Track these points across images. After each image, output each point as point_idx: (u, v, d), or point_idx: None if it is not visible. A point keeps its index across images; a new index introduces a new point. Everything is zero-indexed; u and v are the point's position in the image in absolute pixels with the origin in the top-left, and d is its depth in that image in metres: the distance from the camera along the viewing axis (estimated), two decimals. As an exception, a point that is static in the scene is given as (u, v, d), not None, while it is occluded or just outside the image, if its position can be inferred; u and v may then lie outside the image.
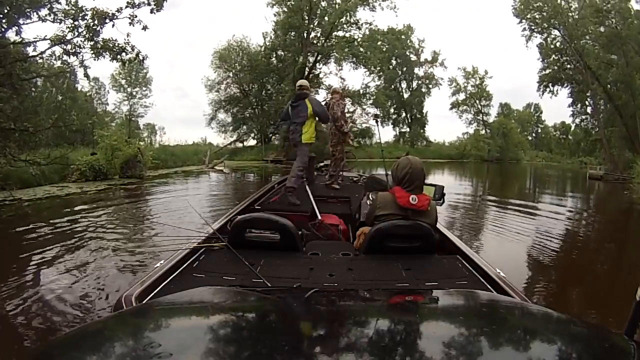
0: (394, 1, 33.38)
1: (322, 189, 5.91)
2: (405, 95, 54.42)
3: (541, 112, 65.03)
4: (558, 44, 36.35)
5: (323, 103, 6.61)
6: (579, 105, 39.51)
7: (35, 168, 10.41)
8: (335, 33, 34.24)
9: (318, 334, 1.00)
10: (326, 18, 33.60)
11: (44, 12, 9.92)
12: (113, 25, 10.20)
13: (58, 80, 25.64)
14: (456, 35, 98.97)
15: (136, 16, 10.19)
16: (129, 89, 40.88)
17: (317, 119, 5.44)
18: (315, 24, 34.47)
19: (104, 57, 10.40)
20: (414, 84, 54.54)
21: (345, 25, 34.27)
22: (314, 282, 2.22)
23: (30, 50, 10.54)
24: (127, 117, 40.92)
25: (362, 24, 34.41)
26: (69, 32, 10.02)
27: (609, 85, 32.99)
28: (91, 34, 9.96)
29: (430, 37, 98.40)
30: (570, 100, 39.16)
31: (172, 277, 2.23)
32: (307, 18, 33.67)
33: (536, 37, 36.73)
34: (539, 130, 66.85)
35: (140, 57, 10.68)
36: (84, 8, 9.93)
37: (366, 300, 1.46)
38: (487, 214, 10.79)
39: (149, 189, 13.44)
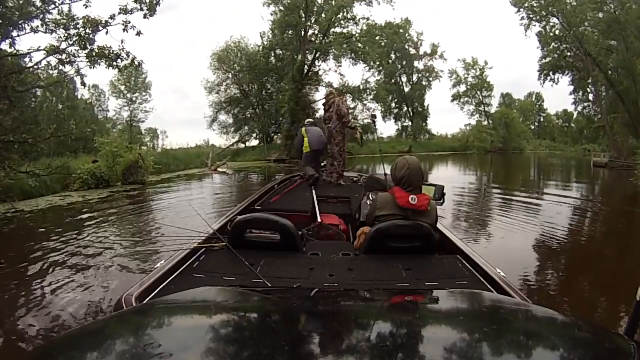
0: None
1: (322, 189, 5.87)
2: (406, 89, 54.31)
3: (543, 101, 65.01)
4: (557, 32, 36.14)
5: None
6: (580, 93, 39.39)
7: (34, 180, 10.39)
8: (332, 29, 34.15)
9: (318, 334, 0.99)
10: (323, 15, 33.52)
11: (36, 22, 9.95)
12: (107, 33, 10.20)
13: (57, 89, 25.67)
14: (454, 27, 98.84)
15: (129, 22, 10.16)
16: (128, 95, 40.95)
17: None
18: (312, 21, 34.39)
19: (99, 64, 10.39)
20: (414, 78, 54.48)
21: (342, 22, 34.19)
22: (314, 282, 2.23)
23: (26, 61, 10.54)
24: (128, 123, 40.97)
25: (359, 20, 34.35)
26: (62, 41, 10.04)
27: (609, 71, 32.79)
28: (84, 42, 9.92)
29: (428, 30, 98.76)
30: (572, 87, 39.16)
31: (172, 277, 2.25)
32: (303, 16, 33.58)
33: (535, 25, 36.65)
34: (541, 119, 66.63)
35: (136, 63, 10.65)
36: (75, 17, 9.93)
37: (366, 300, 1.45)
38: (492, 205, 10.76)
39: (150, 195, 13.43)
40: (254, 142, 40.55)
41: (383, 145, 39.65)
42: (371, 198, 3.42)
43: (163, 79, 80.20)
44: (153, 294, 2.00)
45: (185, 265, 2.42)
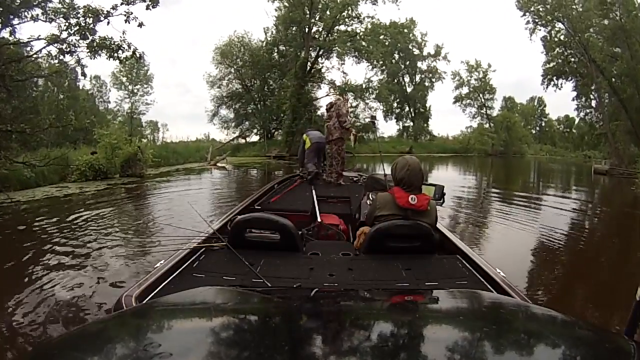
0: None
1: (322, 189, 5.93)
2: (409, 90, 54.45)
3: (545, 106, 64.84)
4: (562, 37, 36.03)
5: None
6: (583, 99, 39.30)
7: (29, 170, 10.31)
8: (337, 27, 34.05)
9: (318, 334, 0.98)
10: (327, 12, 33.42)
11: (37, 11, 9.85)
12: (108, 23, 10.09)
13: (59, 79, 25.64)
14: (459, 28, 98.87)
15: (132, 13, 10.04)
16: (130, 87, 40.97)
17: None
18: (317, 19, 34.25)
19: (100, 55, 10.28)
20: (417, 78, 54.61)
21: (347, 19, 34.02)
22: (314, 282, 2.23)
23: (27, 50, 10.47)
24: (129, 115, 40.96)
25: (364, 18, 34.16)
26: (62, 31, 9.92)
27: (613, 79, 32.68)
28: (84, 32, 9.82)
29: (433, 31, 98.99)
30: (575, 93, 39.02)
31: (172, 277, 2.25)
32: (308, 12, 33.47)
33: (540, 30, 36.46)
34: (543, 124, 66.47)
35: (137, 55, 10.56)
36: (76, 6, 9.81)
37: (366, 300, 1.45)
38: (491, 209, 10.70)
39: (148, 188, 13.37)
40: (254, 138, 40.58)
41: (384, 145, 39.80)
42: (371, 198, 3.47)
43: (166, 73, 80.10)
44: (153, 294, 2.00)
45: (185, 265, 2.43)
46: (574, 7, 33.72)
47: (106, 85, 42.33)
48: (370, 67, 39.25)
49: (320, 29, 34.61)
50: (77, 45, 10.11)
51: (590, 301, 4.61)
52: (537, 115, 65.70)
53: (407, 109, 54.93)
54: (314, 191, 5.26)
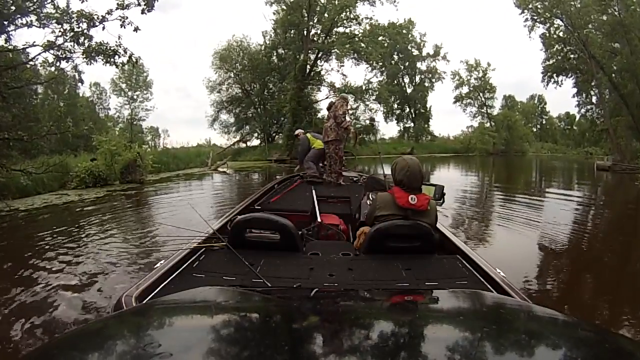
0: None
1: (322, 189, 5.92)
2: (409, 90, 54.46)
3: (545, 104, 65.00)
4: (561, 34, 36.04)
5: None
6: (583, 95, 39.44)
7: (25, 178, 10.28)
8: (335, 29, 34.21)
9: (318, 334, 0.96)
10: (326, 14, 33.50)
11: (31, 17, 9.80)
12: (103, 28, 10.06)
13: (58, 86, 25.68)
14: (458, 28, 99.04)
15: (127, 18, 10.04)
16: (129, 93, 41.15)
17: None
18: (315, 21, 34.42)
19: (96, 61, 10.26)
20: (417, 79, 54.65)
21: (345, 21, 34.22)
22: (314, 282, 2.24)
23: (23, 57, 10.41)
24: (129, 121, 41.05)
25: (362, 19, 34.40)
26: (57, 37, 9.92)
27: (613, 74, 32.68)
28: (77, 38, 9.78)
29: (431, 31, 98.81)
30: (575, 90, 39.15)
31: (172, 277, 2.26)
32: (306, 15, 33.60)
33: (539, 27, 36.46)
34: (544, 122, 66.55)
35: (134, 60, 10.51)
36: (69, 12, 9.79)
37: (366, 300, 1.45)
38: (494, 208, 10.64)
39: (148, 194, 13.36)
40: (255, 142, 40.82)
41: (385, 146, 39.88)
42: (371, 198, 3.49)
43: (166, 78, 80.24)
44: (153, 294, 2.01)
45: (185, 265, 2.44)
46: (573, 3, 33.68)
47: (106, 91, 42.69)
48: (370, 68, 39.49)
49: (319, 32, 34.77)
50: (72, 51, 10.11)
51: (594, 301, 4.55)
52: (537, 113, 65.81)
53: (407, 110, 54.98)
54: (314, 191, 5.26)
